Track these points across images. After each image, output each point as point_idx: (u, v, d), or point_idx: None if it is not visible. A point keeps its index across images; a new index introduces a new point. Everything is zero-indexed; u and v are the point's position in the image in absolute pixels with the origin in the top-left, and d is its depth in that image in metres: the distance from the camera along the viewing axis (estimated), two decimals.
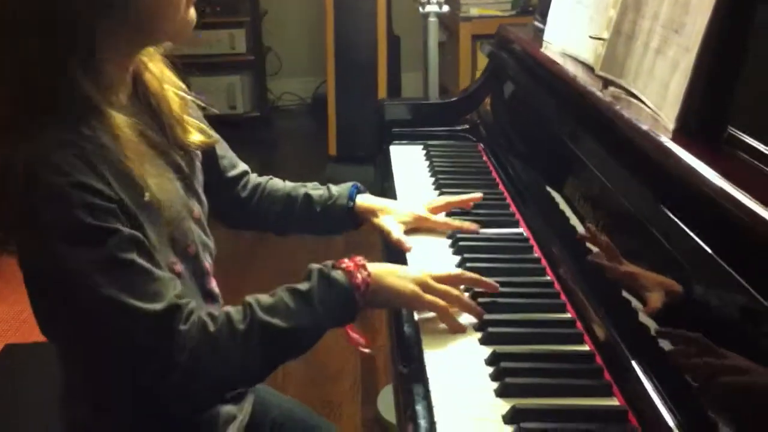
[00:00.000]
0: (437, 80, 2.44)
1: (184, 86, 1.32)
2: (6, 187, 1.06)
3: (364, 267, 1.17)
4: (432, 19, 2.35)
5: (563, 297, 1.25)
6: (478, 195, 1.55)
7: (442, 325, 1.18)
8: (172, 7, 1.13)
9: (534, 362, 1.09)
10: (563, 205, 1.38)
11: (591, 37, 1.29)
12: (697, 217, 0.88)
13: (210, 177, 1.37)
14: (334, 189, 1.52)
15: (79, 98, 1.07)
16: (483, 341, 1.14)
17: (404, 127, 2.10)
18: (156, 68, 1.26)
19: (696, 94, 0.98)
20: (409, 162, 1.92)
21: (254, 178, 1.53)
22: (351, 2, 4.50)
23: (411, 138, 2.06)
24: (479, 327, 1.18)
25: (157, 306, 1.05)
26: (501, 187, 1.72)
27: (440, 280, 1.22)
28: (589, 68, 1.36)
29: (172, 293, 1.08)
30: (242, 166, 1.51)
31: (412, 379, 1.08)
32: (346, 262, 1.17)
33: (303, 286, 1.15)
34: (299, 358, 1.15)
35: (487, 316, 1.19)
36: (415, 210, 1.51)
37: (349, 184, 1.52)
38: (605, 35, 1.26)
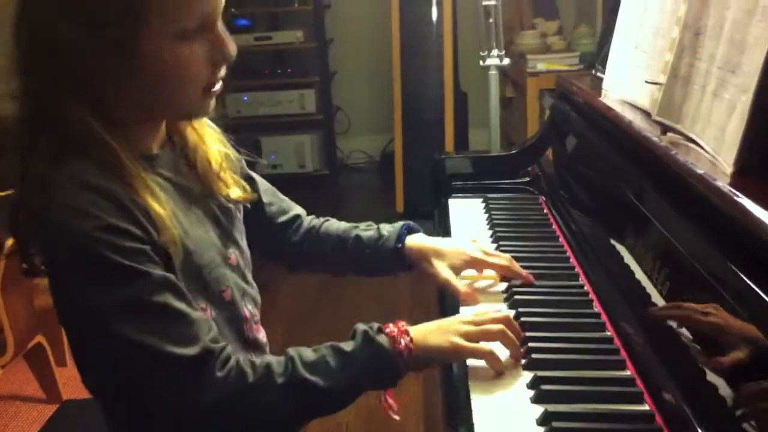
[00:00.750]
0: (499, 132, 2.41)
1: (225, 141, 1.32)
2: (36, 234, 1.08)
3: (407, 332, 1.16)
4: (492, 72, 2.33)
5: (623, 353, 1.19)
6: (531, 278, 1.45)
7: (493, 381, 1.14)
8: (185, 93, 1.13)
9: (589, 423, 1.03)
10: (627, 258, 1.32)
11: (647, 81, 1.25)
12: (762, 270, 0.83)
13: (257, 225, 1.37)
14: (385, 229, 1.48)
15: (96, 139, 1.07)
16: (535, 399, 1.09)
17: (464, 180, 2.07)
18: (200, 126, 1.26)
19: (754, 135, 0.93)
20: (467, 215, 1.88)
21: (309, 221, 1.51)
22: (419, 59, 4.53)
23: (471, 191, 2.03)
24: (532, 384, 1.12)
25: (191, 351, 1.05)
26: (562, 239, 1.67)
27: (483, 323, 1.19)
28: (647, 114, 1.32)
29: (206, 337, 1.07)
30: (295, 211, 1.50)
31: None
32: (391, 327, 1.16)
33: (347, 346, 1.14)
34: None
35: (540, 373, 1.14)
36: (468, 250, 1.45)
37: (400, 223, 1.48)
38: (662, 79, 1.22)
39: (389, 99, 4.68)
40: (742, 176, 0.93)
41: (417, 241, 1.46)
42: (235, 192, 1.28)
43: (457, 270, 1.43)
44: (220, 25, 1.12)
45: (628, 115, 1.33)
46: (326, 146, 5.25)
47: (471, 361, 1.19)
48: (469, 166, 2.11)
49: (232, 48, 1.13)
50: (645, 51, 1.39)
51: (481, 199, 1.96)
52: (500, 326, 1.18)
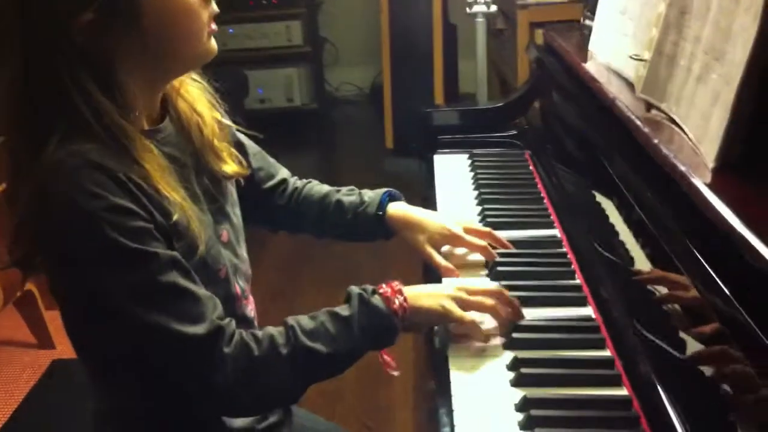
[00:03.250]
0: (486, 80, 2.37)
1: (221, 111, 1.30)
2: (34, 213, 1.05)
3: (400, 292, 1.18)
4: (480, 20, 2.28)
5: (603, 331, 1.19)
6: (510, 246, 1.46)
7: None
8: (192, 37, 1.12)
9: (568, 410, 1.05)
10: (613, 219, 1.31)
11: (632, 57, 1.22)
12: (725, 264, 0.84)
13: (245, 191, 1.36)
14: (367, 196, 1.47)
15: (100, 116, 1.05)
16: (515, 383, 1.10)
17: (452, 134, 2.05)
18: (188, 94, 1.24)
19: (736, 131, 0.91)
20: (452, 173, 1.87)
21: (293, 183, 1.51)
22: None
23: (458, 146, 2.01)
24: (512, 366, 1.14)
25: (200, 329, 1.06)
26: (546, 201, 1.66)
27: (475, 293, 1.22)
28: (631, 86, 1.30)
29: (213, 314, 1.08)
30: (280, 175, 1.49)
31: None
32: (384, 288, 1.18)
33: (344, 311, 1.15)
34: None
35: (520, 354, 1.15)
36: (448, 225, 1.44)
37: (382, 190, 1.48)
38: (646, 56, 1.19)
39: (377, 29, 4.60)
40: (722, 174, 0.92)
41: (399, 209, 1.46)
42: (230, 167, 1.26)
43: (436, 244, 1.43)
44: None
45: (613, 88, 1.31)
46: (315, 79, 5.18)
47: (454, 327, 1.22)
48: (456, 119, 2.08)
49: None
50: (631, 19, 1.36)
51: (467, 155, 1.95)
52: (492, 301, 1.21)
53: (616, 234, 1.28)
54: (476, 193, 1.72)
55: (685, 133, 1.07)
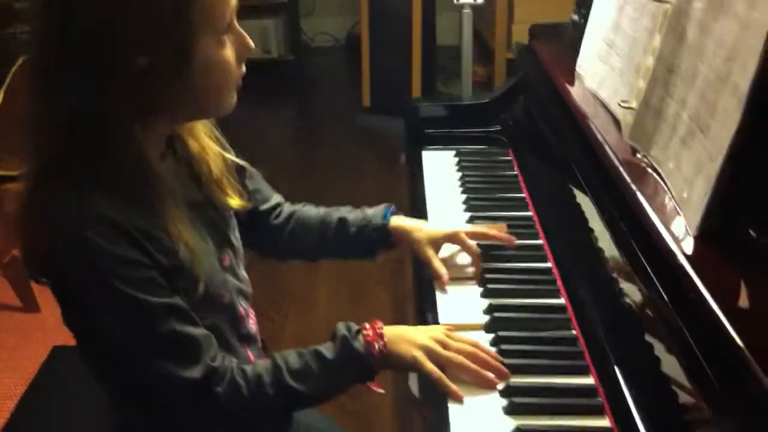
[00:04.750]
0: (470, 73, 2.43)
1: (226, 145, 1.38)
2: (44, 254, 1.14)
3: (381, 336, 1.27)
4: (466, 11, 2.33)
5: (586, 357, 1.30)
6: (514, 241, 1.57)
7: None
8: (224, 91, 1.19)
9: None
10: (596, 230, 1.41)
11: (621, 105, 1.30)
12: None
13: (242, 213, 1.42)
14: (369, 211, 1.56)
15: (134, 153, 1.13)
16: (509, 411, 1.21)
17: (438, 128, 2.12)
18: (198, 133, 1.31)
19: (717, 207, 1.01)
20: (440, 173, 1.94)
21: (288, 207, 1.58)
22: None
23: (445, 141, 2.08)
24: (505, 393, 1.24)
25: (196, 372, 1.16)
26: (530, 206, 1.75)
27: (450, 348, 1.28)
28: (617, 122, 1.38)
29: (208, 356, 1.18)
30: (275, 199, 1.57)
31: None
32: (367, 330, 1.27)
33: (328, 353, 1.25)
34: None
35: (514, 381, 1.24)
36: (449, 227, 1.55)
37: (383, 205, 1.57)
38: (634, 104, 1.28)
39: None
40: (702, 245, 1.02)
41: (400, 221, 1.55)
42: (234, 201, 1.34)
43: (437, 245, 1.52)
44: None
45: (600, 123, 1.39)
46: (291, 31, 5.18)
47: None
48: (442, 113, 2.16)
49: (251, 42, 1.20)
50: (619, 55, 1.44)
51: (454, 153, 2.02)
52: (462, 361, 1.25)
53: (594, 241, 1.38)
54: (464, 197, 1.81)
55: (667, 187, 1.16)
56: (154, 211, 1.15)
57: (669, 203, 1.13)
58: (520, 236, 1.60)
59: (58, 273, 1.15)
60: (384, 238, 1.54)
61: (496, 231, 1.57)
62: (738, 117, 0.98)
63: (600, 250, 1.35)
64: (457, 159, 1.99)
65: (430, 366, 1.25)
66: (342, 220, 1.54)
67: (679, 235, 1.05)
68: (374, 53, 4.57)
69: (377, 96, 4.60)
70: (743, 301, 0.95)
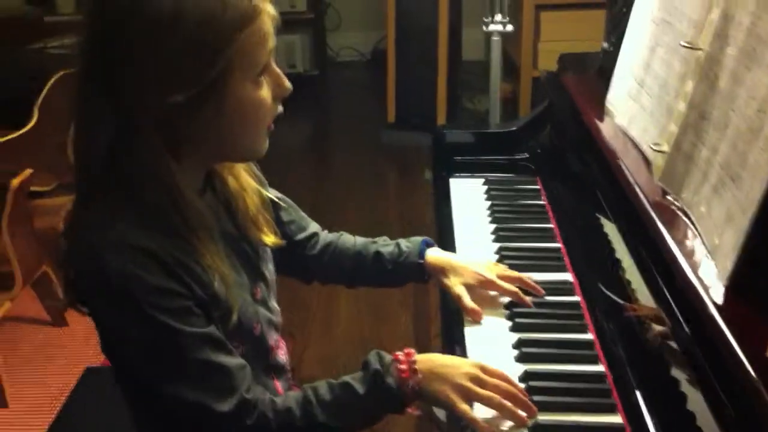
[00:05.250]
0: (499, 100, 2.45)
1: (263, 182, 1.41)
2: (80, 281, 1.18)
3: (415, 372, 1.26)
4: (495, 39, 2.35)
5: (614, 394, 1.31)
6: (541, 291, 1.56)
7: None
8: (257, 131, 1.22)
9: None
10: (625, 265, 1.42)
11: (653, 148, 1.32)
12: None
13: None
14: (404, 245, 1.58)
15: (167, 184, 1.15)
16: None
17: (464, 155, 2.15)
18: (237, 169, 1.34)
19: (748, 261, 1.02)
20: (469, 201, 1.97)
21: (324, 236, 1.61)
22: None
23: (472, 168, 2.11)
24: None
25: (228, 405, 1.18)
26: (558, 237, 1.77)
27: (488, 385, 1.27)
28: (647, 161, 1.40)
29: (242, 387, 1.20)
30: (311, 228, 1.59)
31: None
32: (401, 362, 1.26)
33: (360, 387, 1.25)
34: None
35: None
36: (482, 272, 1.55)
37: (419, 239, 1.59)
38: (665, 148, 1.29)
39: None
40: (732, 295, 1.03)
41: (437, 255, 1.57)
42: (269, 238, 1.37)
43: (469, 288, 1.53)
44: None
45: (630, 162, 1.41)
46: (317, 46, 5.23)
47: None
48: (469, 140, 2.18)
49: (288, 82, 1.22)
50: (650, 95, 1.45)
51: (482, 181, 2.05)
52: (499, 401, 1.25)
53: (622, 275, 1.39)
54: (493, 227, 1.83)
55: (697, 231, 1.17)
56: (189, 244, 1.17)
57: (699, 248, 1.15)
58: (547, 269, 1.63)
59: (96, 301, 1.18)
60: (418, 273, 1.57)
61: (531, 283, 1.56)
62: None
63: (628, 285, 1.37)
64: (485, 187, 2.02)
65: (464, 407, 1.25)
66: (378, 255, 1.57)
67: (709, 283, 1.07)
68: (400, 68, 4.61)
69: (402, 111, 4.63)
70: None
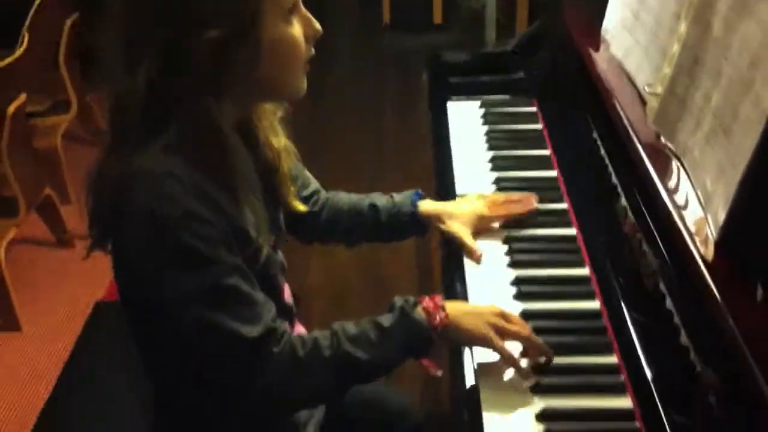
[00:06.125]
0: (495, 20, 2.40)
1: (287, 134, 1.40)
2: (113, 209, 1.18)
3: (442, 308, 1.27)
4: None
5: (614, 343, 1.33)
6: (535, 205, 1.62)
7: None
8: (294, 70, 1.23)
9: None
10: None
11: (647, 91, 1.32)
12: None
13: None
14: (397, 197, 1.60)
15: (200, 119, 1.17)
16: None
17: (463, 75, 2.13)
18: (272, 126, 1.36)
19: (738, 211, 1.03)
20: (465, 129, 1.97)
21: (324, 193, 1.62)
22: None
23: (469, 90, 2.10)
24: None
25: (255, 331, 1.19)
26: (555, 166, 1.78)
27: (512, 320, 1.30)
28: (642, 100, 1.39)
29: (269, 316, 1.22)
30: (314, 185, 1.61)
31: None
32: (426, 301, 1.28)
33: (386, 321, 1.27)
34: None
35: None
36: (477, 210, 1.59)
37: (411, 191, 1.61)
38: (659, 90, 1.29)
39: None
40: (723, 252, 1.05)
41: (429, 204, 1.59)
42: (297, 205, 1.41)
43: (468, 227, 1.57)
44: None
45: (626, 100, 1.40)
46: None
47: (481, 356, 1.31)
48: (465, 59, 2.16)
49: (318, 24, 1.24)
50: (644, 30, 1.43)
51: (479, 103, 2.04)
52: (530, 334, 1.28)
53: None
54: (490, 155, 1.84)
55: (689, 176, 1.19)
56: (224, 180, 1.19)
57: (690, 197, 1.16)
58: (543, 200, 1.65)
59: (126, 224, 1.17)
60: (414, 224, 1.59)
61: (519, 199, 1.61)
62: (760, 130, 0.99)
63: (623, 214, 1.38)
64: (482, 110, 2.01)
65: (501, 343, 1.26)
66: (373, 207, 1.59)
67: (698, 234, 1.09)
68: None
69: (397, 12, 4.56)
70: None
